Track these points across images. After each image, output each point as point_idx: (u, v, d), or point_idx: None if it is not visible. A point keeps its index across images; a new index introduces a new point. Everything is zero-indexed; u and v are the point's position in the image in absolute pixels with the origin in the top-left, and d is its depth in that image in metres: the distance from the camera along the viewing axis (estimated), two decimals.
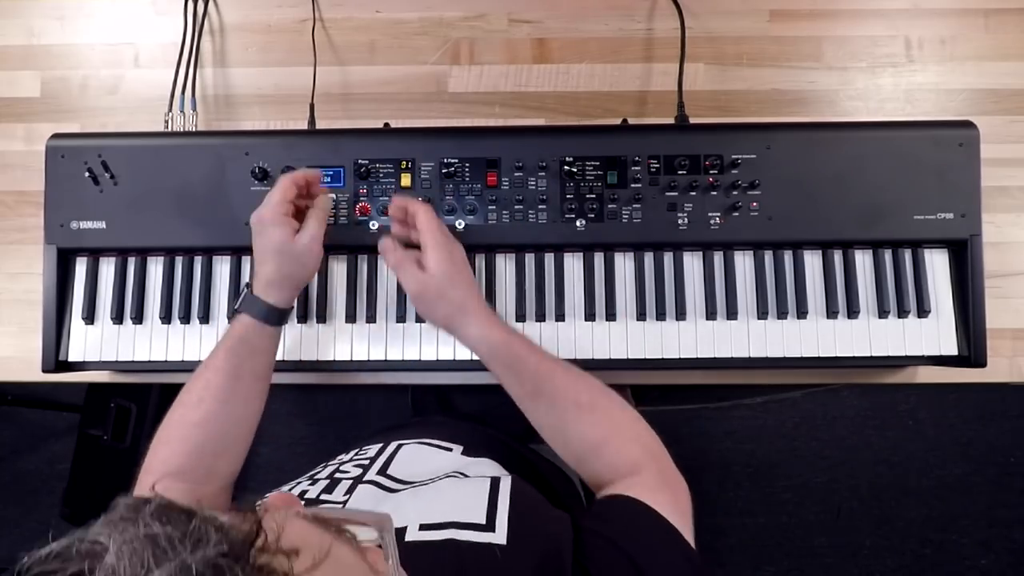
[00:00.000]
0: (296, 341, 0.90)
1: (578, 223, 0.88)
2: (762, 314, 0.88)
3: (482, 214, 0.88)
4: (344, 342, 0.90)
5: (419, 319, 0.89)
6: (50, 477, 1.87)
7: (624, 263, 0.90)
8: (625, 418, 0.74)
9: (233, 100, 1.01)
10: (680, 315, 0.88)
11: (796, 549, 1.82)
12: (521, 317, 0.89)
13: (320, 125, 0.96)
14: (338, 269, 0.91)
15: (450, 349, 0.89)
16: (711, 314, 0.88)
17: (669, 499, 0.64)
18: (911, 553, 1.81)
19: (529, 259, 0.90)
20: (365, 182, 0.89)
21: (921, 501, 1.83)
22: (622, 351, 0.88)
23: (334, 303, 0.90)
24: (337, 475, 0.73)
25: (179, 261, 0.91)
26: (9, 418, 1.90)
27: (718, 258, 0.89)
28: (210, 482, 0.75)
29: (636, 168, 0.88)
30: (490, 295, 0.89)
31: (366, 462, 0.76)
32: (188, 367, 0.90)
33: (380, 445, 0.80)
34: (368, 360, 0.89)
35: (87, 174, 0.88)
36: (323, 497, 0.68)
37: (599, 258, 0.90)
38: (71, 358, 0.90)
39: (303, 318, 0.90)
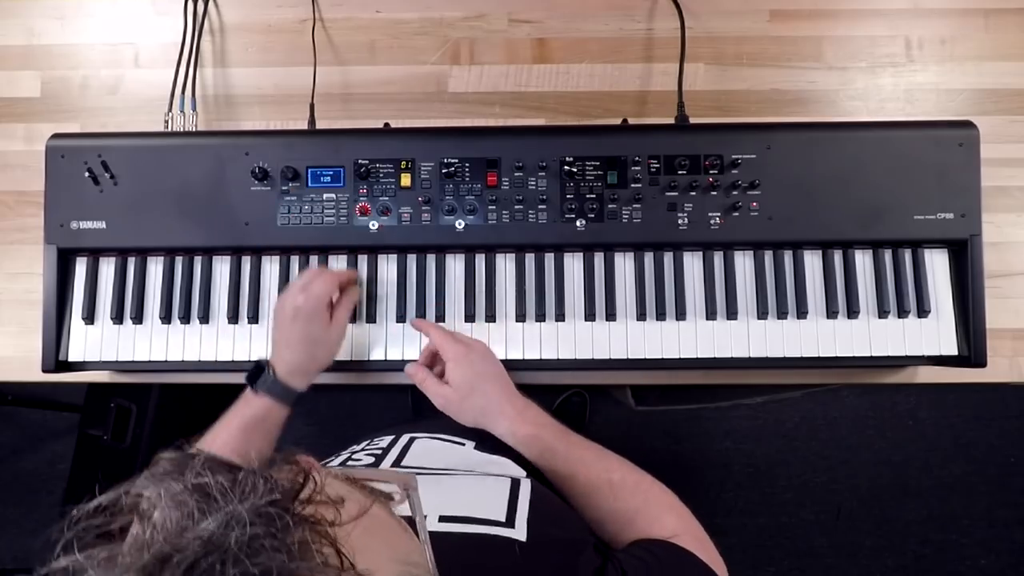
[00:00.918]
0: None
1: (578, 223, 0.88)
2: (762, 314, 0.88)
3: (482, 214, 0.88)
4: (344, 342, 0.89)
5: (419, 319, 0.89)
6: (50, 477, 1.87)
7: (624, 263, 0.90)
8: (657, 490, 0.75)
9: (233, 100, 1.01)
10: (680, 315, 0.88)
11: (796, 549, 1.82)
12: (521, 317, 0.89)
13: (320, 125, 0.96)
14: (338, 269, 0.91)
15: None
16: (711, 314, 0.88)
17: (713, 559, 0.64)
18: (911, 553, 1.81)
19: (529, 259, 0.90)
20: (365, 182, 0.89)
21: (921, 501, 1.83)
22: (622, 351, 0.88)
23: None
24: (350, 463, 0.74)
25: (179, 261, 0.91)
26: (9, 418, 1.90)
27: (718, 258, 0.89)
28: None
29: (636, 168, 0.88)
30: (490, 295, 0.89)
31: (379, 451, 0.76)
32: (188, 367, 0.90)
33: (392, 437, 0.80)
34: (368, 360, 0.89)
35: (87, 174, 0.88)
36: None
37: (599, 258, 0.90)
38: (71, 358, 0.90)
39: None
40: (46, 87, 1.02)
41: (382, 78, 1.01)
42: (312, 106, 0.97)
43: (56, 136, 0.91)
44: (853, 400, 1.87)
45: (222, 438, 0.77)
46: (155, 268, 0.91)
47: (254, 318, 0.90)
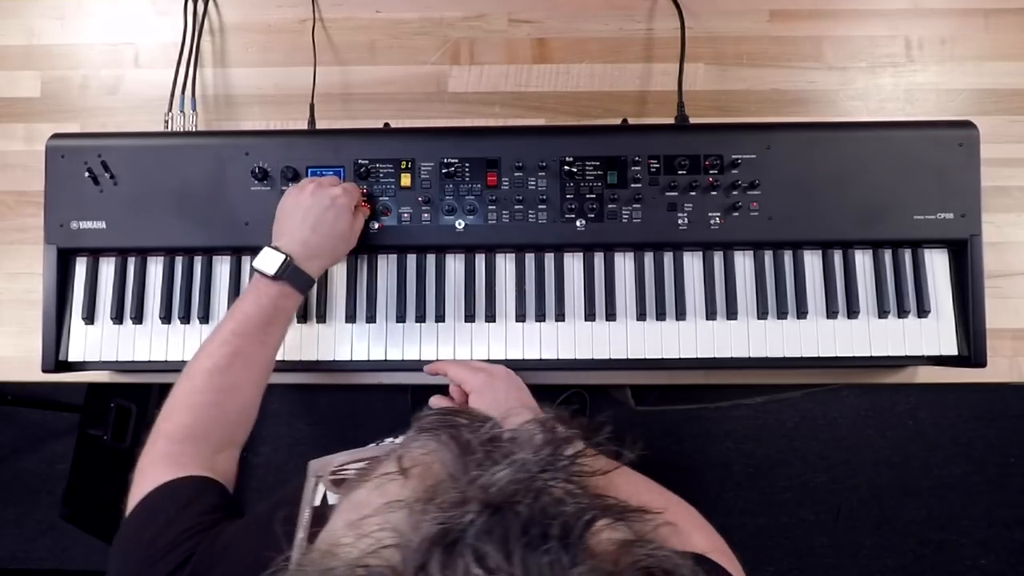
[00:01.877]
0: (296, 341, 0.90)
1: (578, 223, 0.88)
2: (762, 314, 0.88)
3: (482, 214, 0.88)
4: (344, 342, 0.90)
5: (419, 319, 0.89)
6: (50, 477, 1.87)
7: (624, 263, 0.90)
8: (684, 510, 0.74)
9: (233, 100, 1.01)
10: (680, 315, 0.88)
11: (796, 549, 1.82)
12: (521, 317, 0.89)
13: (320, 125, 0.96)
14: (338, 269, 0.91)
15: (450, 349, 0.89)
16: (711, 314, 0.88)
17: (739, 573, 0.64)
18: (911, 553, 1.81)
19: (529, 259, 0.90)
20: (365, 182, 0.89)
21: (921, 501, 1.83)
22: (622, 351, 0.88)
23: (334, 303, 0.90)
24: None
25: (179, 261, 0.91)
26: (9, 418, 1.90)
27: (718, 258, 0.89)
28: (225, 448, 0.73)
29: (636, 168, 0.88)
30: (490, 295, 0.89)
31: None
32: None
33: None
34: (368, 360, 0.89)
35: (87, 174, 0.88)
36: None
37: (599, 258, 0.90)
38: (71, 358, 0.90)
39: (303, 318, 0.90)
40: (46, 87, 1.02)
41: (382, 78, 1.01)
42: (312, 106, 0.97)
43: (56, 136, 0.91)
44: (853, 400, 1.87)
45: (243, 330, 0.74)
46: (155, 268, 0.91)
47: None
